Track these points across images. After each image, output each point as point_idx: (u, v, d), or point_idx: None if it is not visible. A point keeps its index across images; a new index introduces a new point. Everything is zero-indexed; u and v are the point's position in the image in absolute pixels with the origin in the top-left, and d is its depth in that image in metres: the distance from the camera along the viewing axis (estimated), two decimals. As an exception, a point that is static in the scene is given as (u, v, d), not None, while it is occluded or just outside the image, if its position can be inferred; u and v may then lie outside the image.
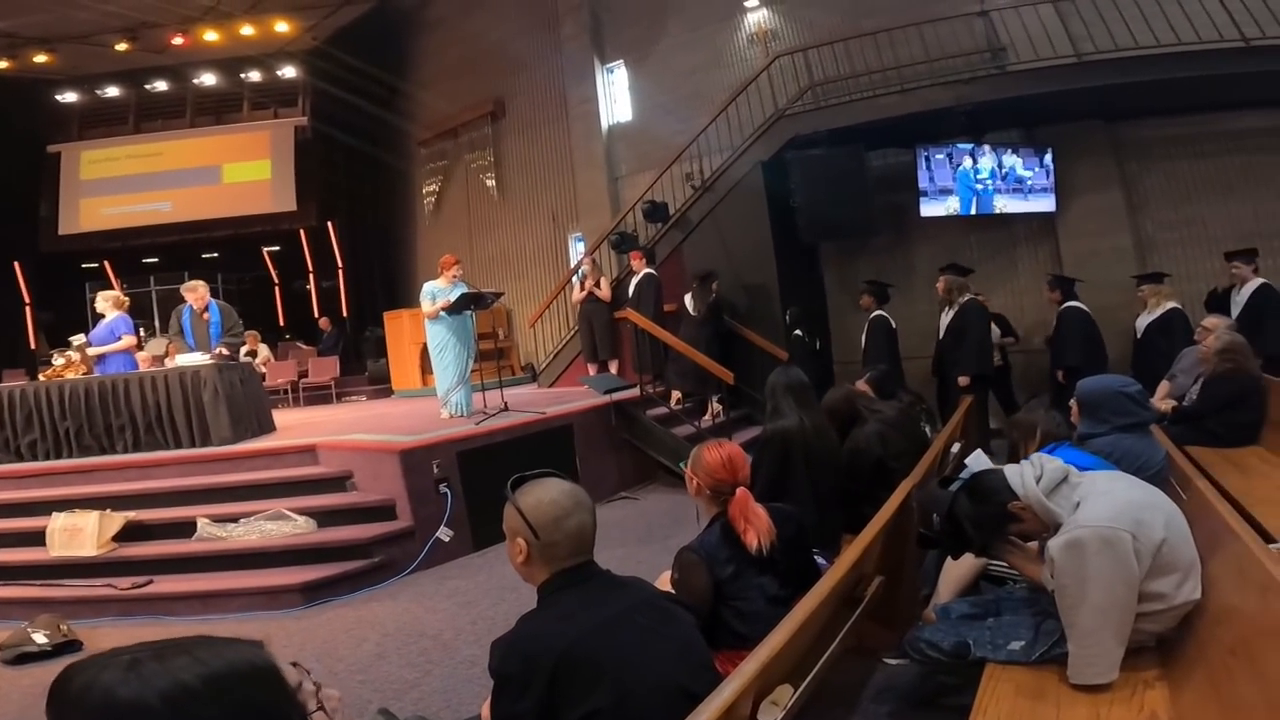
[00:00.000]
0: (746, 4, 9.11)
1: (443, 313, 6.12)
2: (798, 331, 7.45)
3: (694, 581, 2.16)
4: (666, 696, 1.48)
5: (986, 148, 7.44)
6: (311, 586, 4.39)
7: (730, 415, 6.97)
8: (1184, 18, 6.25)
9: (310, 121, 12.58)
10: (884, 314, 6.91)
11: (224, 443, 5.81)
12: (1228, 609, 1.79)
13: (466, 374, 6.30)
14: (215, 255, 13.11)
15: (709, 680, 1.54)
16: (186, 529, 4.86)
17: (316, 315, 12.52)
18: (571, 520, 1.57)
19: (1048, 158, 7.44)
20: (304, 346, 11.99)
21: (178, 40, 11.27)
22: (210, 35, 11.32)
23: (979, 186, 7.45)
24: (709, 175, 8.13)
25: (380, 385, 10.48)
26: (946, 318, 6.28)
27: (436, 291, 6.23)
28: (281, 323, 13.12)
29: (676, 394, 7.14)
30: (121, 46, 11.08)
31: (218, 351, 6.22)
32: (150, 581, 4.51)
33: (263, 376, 8.65)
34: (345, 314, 12.68)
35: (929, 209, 7.52)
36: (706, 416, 6.99)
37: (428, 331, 6.37)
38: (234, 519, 4.85)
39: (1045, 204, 7.50)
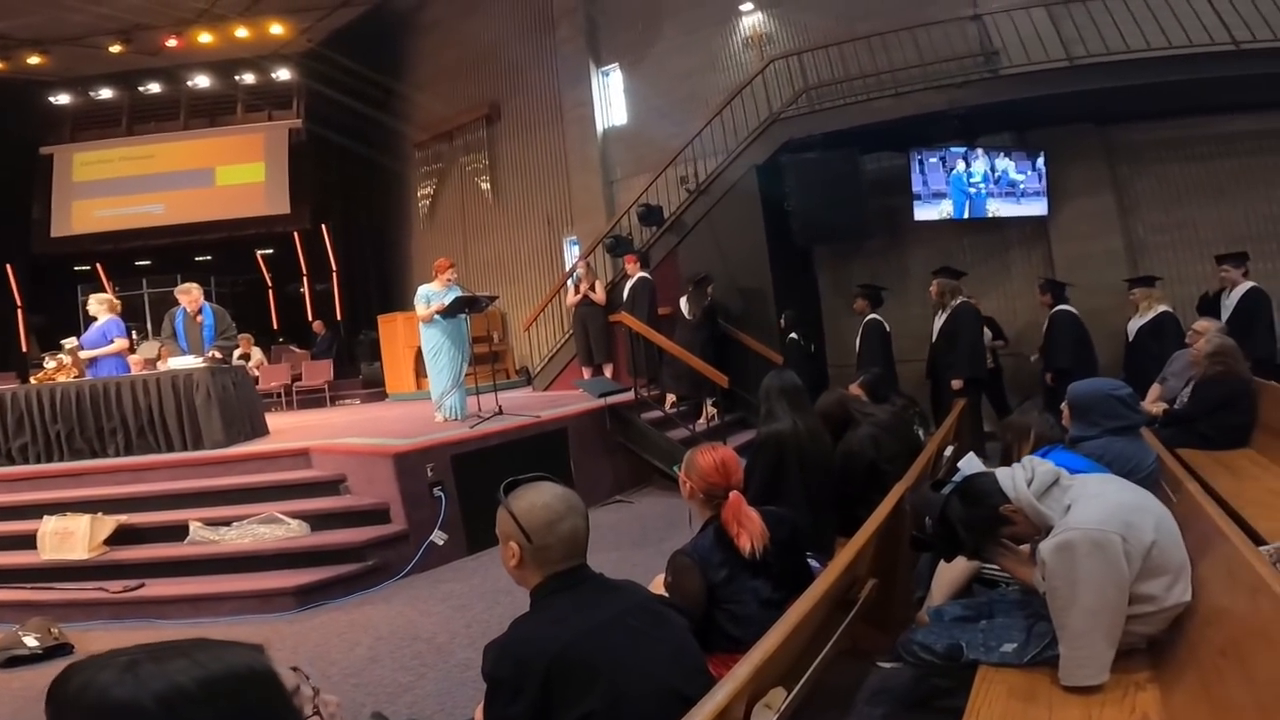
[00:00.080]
0: (741, 8, 9.14)
1: (437, 316, 6.11)
2: (792, 335, 7.46)
3: (687, 585, 2.16)
4: (660, 700, 1.48)
5: (979, 151, 7.48)
6: (304, 590, 4.38)
7: (725, 419, 6.99)
8: (1175, 21, 6.29)
9: (305, 124, 12.54)
10: (878, 317, 6.93)
11: (216, 446, 5.78)
12: (1218, 611, 1.80)
13: (461, 377, 6.29)
14: (208, 258, 13.03)
15: (702, 683, 1.54)
16: (179, 532, 4.84)
17: (310, 318, 12.44)
18: (564, 524, 1.57)
19: (1040, 161, 7.49)
20: (298, 350, 11.92)
21: (171, 42, 11.23)
22: (204, 37, 11.28)
23: (972, 190, 7.48)
24: (704, 179, 8.13)
25: (374, 389, 10.44)
26: (939, 321, 6.29)
27: (431, 295, 6.22)
28: (275, 326, 13.05)
29: (671, 397, 7.13)
30: (115, 48, 11.02)
31: (210, 354, 6.18)
32: (142, 585, 4.49)
33: (256, 380, 8.63)
34: (339, 317, 12.63)
35: (922, 213, 7.55)
36: (701, 420, 6.99)
37: (422, 335, 6.37)
38: (226, 522, 4.83)
39: (1037, 207, 7.54)
